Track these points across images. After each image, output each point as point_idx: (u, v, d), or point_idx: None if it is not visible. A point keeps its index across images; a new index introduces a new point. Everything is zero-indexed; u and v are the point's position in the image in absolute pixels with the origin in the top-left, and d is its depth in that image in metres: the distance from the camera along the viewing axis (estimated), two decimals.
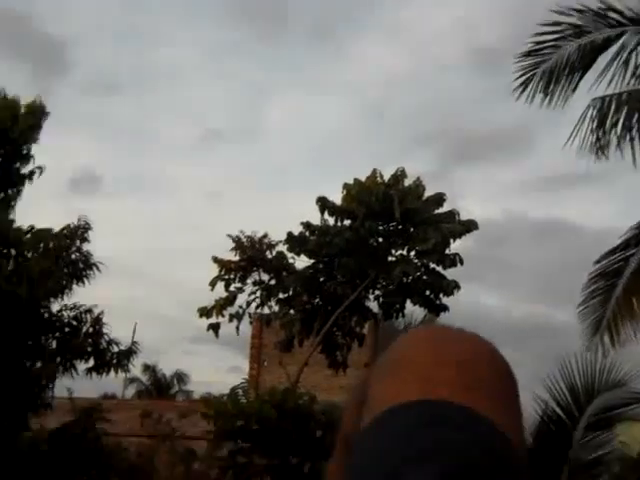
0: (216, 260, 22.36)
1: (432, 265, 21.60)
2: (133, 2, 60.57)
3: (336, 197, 21.68)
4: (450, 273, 21.51)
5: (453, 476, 0.65)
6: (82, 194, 55.14)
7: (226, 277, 22.23)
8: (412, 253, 21.77)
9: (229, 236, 22.44)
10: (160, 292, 60.10)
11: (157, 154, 60.29)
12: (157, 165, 60.17)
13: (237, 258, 22.40)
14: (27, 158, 15.84)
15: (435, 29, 55.93)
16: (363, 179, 21.53)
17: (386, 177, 21.50)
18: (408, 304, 22.11)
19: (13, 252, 15.45)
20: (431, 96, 60.08)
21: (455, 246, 21.36)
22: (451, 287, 21.35)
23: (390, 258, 21.87)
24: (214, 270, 22.37)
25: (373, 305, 22.48)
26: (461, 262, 21.34)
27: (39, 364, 15.13)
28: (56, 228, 15.72)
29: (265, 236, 22.51)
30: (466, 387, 0.74)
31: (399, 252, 21.93)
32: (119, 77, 67.01)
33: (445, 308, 21.86)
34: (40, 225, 15.77)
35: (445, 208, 21.48)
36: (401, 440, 0.69)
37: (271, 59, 58.39)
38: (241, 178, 58.52)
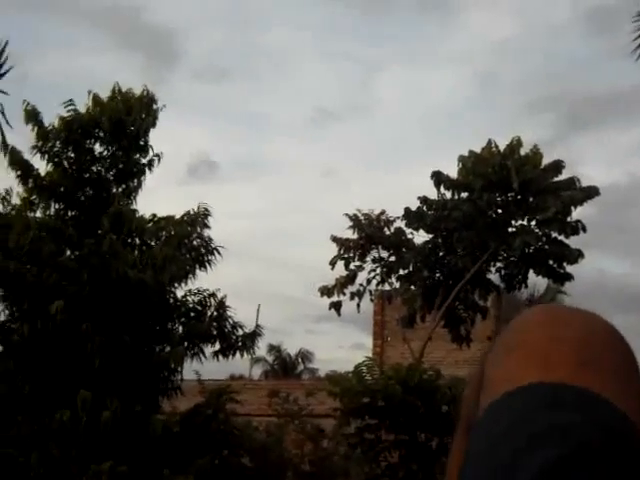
0: (335, 239, 22.47)
1: (554, 234, 21.20)
2: None
3: (451, 170, 21.50)
4: (573, 241, 21.10)
5: (569, 460, 0.64)
6: (200, 179, 56.26)
7: (345, 256, 22.33)
8: (532, 223, 21.41)
9: (346, 215, 22.52)
10: (280, 273, 60.91)
11: (271, 136, 60.94)
12: (271, 147, 60.79)
13: (355, 236, 22.47)
14: (145, 148, 16.21)
15: None
16: (478, 150, 21.27)
17: (501, 147, 21.19)
18: (531, 274, 21.80)
19: (137, 241, 15.89)
20: (543, 61, 58.77)
21: (577, 213, 20.92)
22: (574, 255, 20.92)
23: (510, 229, 21.55)
24: (333, 249, 22.52)
25: (495, 277, 22.25)
26: (584, 229, 20.88)
27: (167, 349, 15.53)
28: (177, 215, 16.07)
29: (382, 213, 22.49)
30: (583, 367, 0.73)
31: (519, 222, 21.59)
32: (229, 62, 68.01)
33: (569, 277, 21.46)
34: (161, 212, 16.14)
35: (564, 175, 21.05)
36: (516, 426, 0.68)
37: (378, 34, 58.10)
38: (355, 156, 58.74)
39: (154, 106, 16.26)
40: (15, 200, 15.81)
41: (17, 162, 15.56)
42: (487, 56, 58.11)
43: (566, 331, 0.76)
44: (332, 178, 59.18)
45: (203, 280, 16.11)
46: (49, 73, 50.05)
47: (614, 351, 0.76)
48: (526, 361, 0.74)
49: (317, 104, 70.65)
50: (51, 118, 15.96)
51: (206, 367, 16.73)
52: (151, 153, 16.26)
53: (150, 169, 16.25)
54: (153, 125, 16.17)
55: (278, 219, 58.01)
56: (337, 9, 59.33)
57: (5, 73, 16.02)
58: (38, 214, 15.67)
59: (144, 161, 16.21)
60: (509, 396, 0.71)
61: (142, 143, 16.14)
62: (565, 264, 21.20)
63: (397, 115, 57.51)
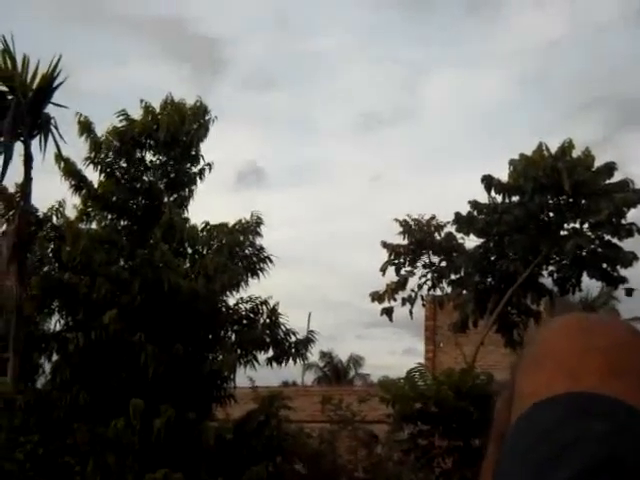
0: (385, 245, 22.43)
1: (607, 237, 20.94)
2: None
3: (502, 174, 21.33)
4: (627, 244, 20.82)
5: (595, 471, 0.63)
6: (248, 187, 56.44)
7: (396, 261, 22.27)
8: (585, 226, 21.16)
9: (396, 220, 22.46)
10: (329, 278, 60.82)
11: (318, 142, 61.00)
12: (318, 153, 60.86)
13: (406, 242, 22.40)
14: (196, 158, 16.34)
15: None
16: (528, 153, 21.07)
17: (552, 149, 20.98)
18: (584, 278, 21.55)
19: (189, 250, 16.02)
20: (592, 60, 58.07)
21: (630, 216, 20.64)
22: (629, 258, 20.63)
23: (562, 232, 21.32)
24: (383, 253, 22.47)
25: (547, 281, 22.00)
26: (638, 232, 20.59)
27: (220, 357, 15.62)
28: (226, 221, 16.17)
29: (433, 218, 22.41)
30: (614, 376, 0.72)
31: (571, 225, 21.35)
32: (276, 69, 68.21)
33: (624, 280, 21.16)
34: (211, 219, 16.27)
35: (615, 175, 20.78)
36: (543, 437, 0.68)
37: (425, 37, 58.00)
38: (403, 160, 58.59)
39: (206, 117, 16.41)
40: (68, 212, 16.06)
41: (71, 173, 15.80)
42: (535, 57, 57.64)
43: (595, 340, 0.76)
44: (380, 183, 59.08)
45: (254, 287, 16.21)
46: (97, 84, 50.60)
47: None
48: (554, 372, 0.74)
49: (364, 108, 70.57)
50: (101, 129, 16.21)
51: (259, 374, 16.82)
52: (202, 163, 16.43)
53: (201, 178, 16.40)
54: (205, 136, 16.31)
55: (327, 225, 58.10)
56: (382, 13, 59.26)
57: (59, 86, 16.28)
58: (94, 225, 15.91)
59: (195, 170, 16.36)
60: (537, 407, 0.71)
61: (193, 153, 16.29)
62: (619, 267, 20.93)
63: (444, 118, 57.38)
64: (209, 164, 16.42)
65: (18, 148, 15.72)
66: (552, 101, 57.33)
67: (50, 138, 15.85)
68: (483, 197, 21.39)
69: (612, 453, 0.64)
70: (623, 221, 20.60)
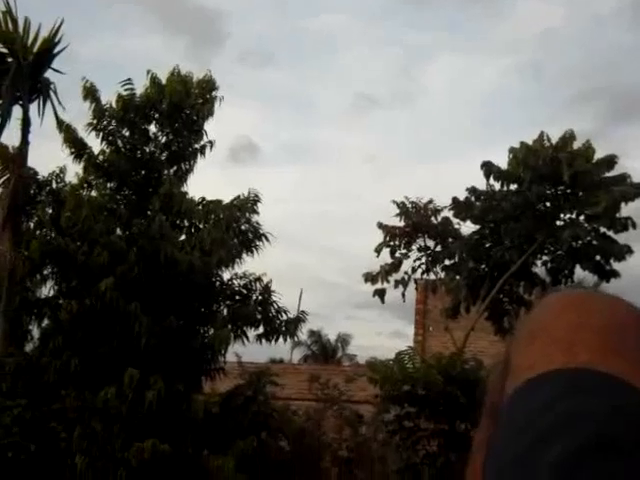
0: (381, 226, 22.38)
1: (603, 229, 20.97)
2: None
3: (499, 160, 21.32)
4: (622, 237, 20.85)
5: (588, 450, 0.62)
6: (241, 163, 56.28)
7: (391, 243, 22.25)
8: (581, 217, 21.18)
9: (394, 202, 22.40)
10: (321, 258, 60.88)
11: (314, 121, 60.84)
12: (314, 132, 60.72)
13: (402, 224, 22.36)
14: (199, 134, 16.27)
15: None
16: (527, 141, 21.05)
17: (553, 139, 20.96)
18: (577, 270, 21.59)
19: (186, 223, 15.99)
20: (589, 51, 58.02)
21: (627, 209, 20.66)
22: (623, 252, 20.67)
23: (558, 222, 21.34)
24: (375, 235, 22.44)
25: (541, 271, 22.03)
26: (634, 226, 20.61)
27: (211, 331, 15.64)
28: (219, 197, 16.16)
29: (430, 202, 22.36)
30: (611, 353, 0.70)
31: (568, 216, 21.36)
32: (274, 46, 67.85)
33: (616, 274, 21.20)
34: (202, 194, 16.24)
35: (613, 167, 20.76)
36: (535, 415, 0.67)
37: (425, 21, 57.81)
38: (400, 143, 58.52)
39: (213, 93, 16.29)
40: (69, 178, 15.99)
41: (72, 140, 15.71)
42: (533, 46, 57.57)
43: (591, 316, 0.74)
44: (376, 165, 59.03)
45: (247, 263, 16.21)
46: (96, 53, 50.24)
47: None
48: (549, 347, 0.72)
49: (362, 90, 70.54)
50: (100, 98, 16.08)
51: (246, 350, 16.85)
52: (205, 139, 16.35)
53: (203, 154, 16.33)
54: (211, 114, 16.20)
55: (320, 204, 58.08)
56: None
57: (60, 52, 16.17)
58: (93, 193, 15.84)
59: (197, 146, 16.29)
60: (531, 383, 0.70)
61: (196, 128, 16.21)
62: (612, 260, 20.97)
63: (441, 103, 57.27)
64: (211, 142, 16.38)
65: (16, 112, 15.64)
66: (548, 90, 57.27)
67: (49, 104, 15.78)
68: (477, 183, 21.41)
69: (607, 431, 0.63)
70: (619, 214, 20.62)
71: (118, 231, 15.49)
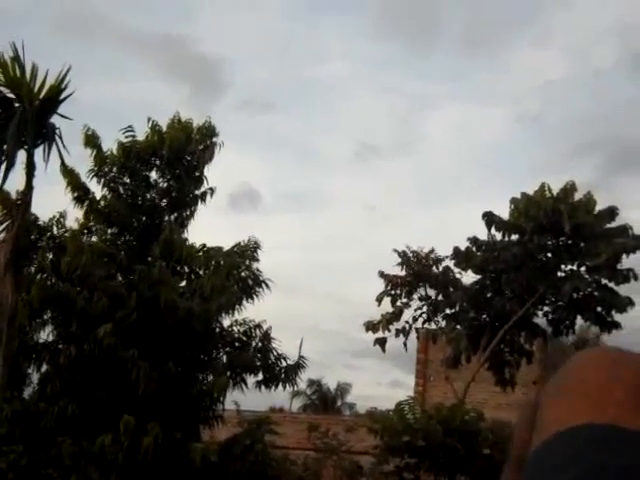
0: (382, 275, 22.40)
1: (604, 281, 20.96)
2: (286, 21, 61.40)
3: (500, 209, 21.39)
4: (623, 289, 20.83)
5: None
6: (242, 210, 56.34)
7: (392, 292, 22.24)
8: (582, 268, 21.19)
9: (395, 251, 22.44)
10: (321, 306, 60.66)
11: (315, 170, 61.07)
12: (315, 180, 60.89)
13: (403, 273, 22.38)
14: (200, 180, 16.35)
15: (592, 33, 54.47)
16: (529, 192, 21.13)
17: (554, 189, 21.03)
18: (578, 321, 21.56)
19: (186, 269, 15.99)
20: (589, 102, 58.42)
21: (628, 261, 20.67)
22: (624, 304, 20.65)
23: (559, 273, 21.35)
24: (375, 283, 22.45)
25: (542, 321, 22.01)
26: (635, 278, 20.61)
27: (210, 377, 15.55)
28: (223, 245, 16.17)
29: (432, 251, 22.40)
30: (638, 409, 0.70)
31: (569, 267, 21.38)
32: (275, 94, 68.31)
33: (617, 325, 21.16)
34: (203, 239, 16.27)
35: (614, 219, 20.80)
36: (562, 467, 0.67)
37: (426, 71, 58.29)
38: (400, 192, 58.61)
39: (214, 139, 16.40)
40: (69, 223, 16.03)
41: (76, 184, 15.80)
42: (533, 96, 58.00)
43: (622, 373, 0.75)
44: (377, 213, 59.06)
45: (247, 310, 16.17)
46: (94, 98, 50.40)
47: None
48: (579, 402, 0.73)
49: (363, 139, 70.86)
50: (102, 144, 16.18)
51: (245, 398, 16.74)
52: (205, 186, 16.42)
53: (203, 201, 16.39)
54: (210, 159, 16.30)
55: (320, 252, 57.99)
56: (385, 45, 59.56)
57: (66, 98, 16.28)
58: (94, 239, 15.88)
59: (197, 192, 16.35)
60: (560, 436, 0.70)
61: (197, 174, 16.29)
62: (614, 312, 20.94)
63: (442, 153, 57.55)
64: (212, 188, 16.44)
65: (21, 157, 15.70)
66: (549, 141, 57.65)
67: (54, 148, 15.86)
68: (479, 232, 21.47)
69: None
70: (620, 266, 20.63)
71: (118, 277, 15.49)
